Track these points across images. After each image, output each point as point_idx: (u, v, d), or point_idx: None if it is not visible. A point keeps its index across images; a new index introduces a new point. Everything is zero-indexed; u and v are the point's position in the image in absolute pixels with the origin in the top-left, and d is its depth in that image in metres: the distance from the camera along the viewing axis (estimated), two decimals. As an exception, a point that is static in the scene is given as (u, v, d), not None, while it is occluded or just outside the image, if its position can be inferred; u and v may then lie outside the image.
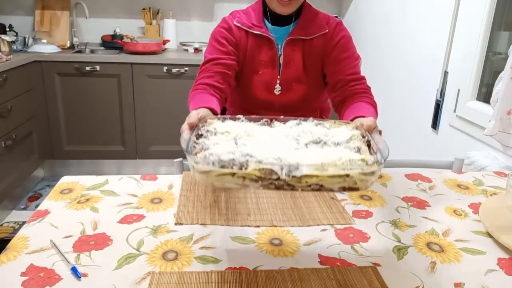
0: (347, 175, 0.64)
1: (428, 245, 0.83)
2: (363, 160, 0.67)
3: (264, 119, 0.83)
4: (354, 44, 1.23)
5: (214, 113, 0.95)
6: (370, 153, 0.72)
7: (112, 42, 3.21)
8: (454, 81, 1.90)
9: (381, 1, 2.73)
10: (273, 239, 0.83)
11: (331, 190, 0.66)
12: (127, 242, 0.80)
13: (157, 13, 3.32)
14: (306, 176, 0.63)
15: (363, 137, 0.78)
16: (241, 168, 0.63)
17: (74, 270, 0.70)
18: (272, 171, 0.63)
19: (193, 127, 0.77)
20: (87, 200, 0.96)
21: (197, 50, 3.20)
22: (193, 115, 0.80)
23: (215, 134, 0.76)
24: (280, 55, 1.21)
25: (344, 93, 1.15)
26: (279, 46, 1.21)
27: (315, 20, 1.21)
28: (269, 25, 1.21)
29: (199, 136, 0.75)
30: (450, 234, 0.88)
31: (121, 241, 0.80)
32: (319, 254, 0.78)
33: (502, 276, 0.75)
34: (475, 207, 1.00)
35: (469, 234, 0.88)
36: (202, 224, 0.87)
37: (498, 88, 1.45)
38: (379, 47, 2.76)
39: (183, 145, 0.69)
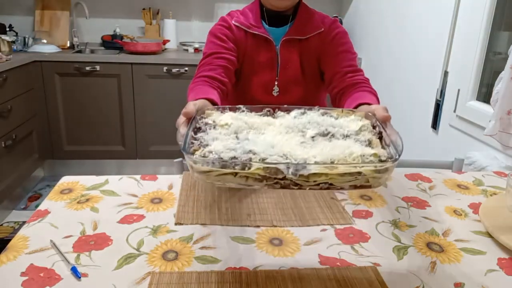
0: (359, 173, 0.58)
1: (428, 245, 0.83)
2: (375, 155, 0.61)
3: (266, 109, 0.77)
4: (350, 39, 1.22)
5: (214, 104, 0.88)
6: (382, 147, 0.66)
7: (112, 42, 3.21)
8: (454, 81, 1.90)
9: (381, 1, 2.73)
10: (273, 239, 0.83)
11: (342, 188, 0.61)
12: (127, 242, 0.80)
13: (157, 13, 3.32)
14: (315, 174, 0.58)
15: (374, 127, 0.72)
16: (243, 168, 0.58)
17: (74, 270, 0.70)
18: (277, 170, 0.58)
19: (190, 119, 0.70)
20: (87, 200, 0.96)
21: (197, 50, 3.20)
22: (190, 106, 0.72)
23: (214, 127, 0.70)
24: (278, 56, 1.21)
25: (342, 84, 1.11)
26: (277, 47, 1.20)
27: (311, 20, 1.20)
28: (266, 26, 1.21)
29: (197, 129, 0.69)
30: (450, 234, 0.88)
31: (121, 241, 0.80)
32: (319, 254, 0.78)
33: (502, 276, 0.75)
34: (475, 207, 1.00)
35: (469, 234, 0.88)
36: (202, 224, 0.87)
37: (498, 88, 1.45)
38: (379, 47, 2.76)
39: (180, 141, 0.63)
